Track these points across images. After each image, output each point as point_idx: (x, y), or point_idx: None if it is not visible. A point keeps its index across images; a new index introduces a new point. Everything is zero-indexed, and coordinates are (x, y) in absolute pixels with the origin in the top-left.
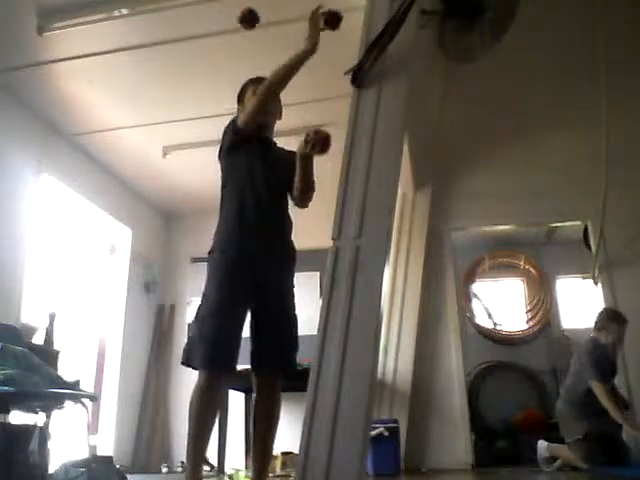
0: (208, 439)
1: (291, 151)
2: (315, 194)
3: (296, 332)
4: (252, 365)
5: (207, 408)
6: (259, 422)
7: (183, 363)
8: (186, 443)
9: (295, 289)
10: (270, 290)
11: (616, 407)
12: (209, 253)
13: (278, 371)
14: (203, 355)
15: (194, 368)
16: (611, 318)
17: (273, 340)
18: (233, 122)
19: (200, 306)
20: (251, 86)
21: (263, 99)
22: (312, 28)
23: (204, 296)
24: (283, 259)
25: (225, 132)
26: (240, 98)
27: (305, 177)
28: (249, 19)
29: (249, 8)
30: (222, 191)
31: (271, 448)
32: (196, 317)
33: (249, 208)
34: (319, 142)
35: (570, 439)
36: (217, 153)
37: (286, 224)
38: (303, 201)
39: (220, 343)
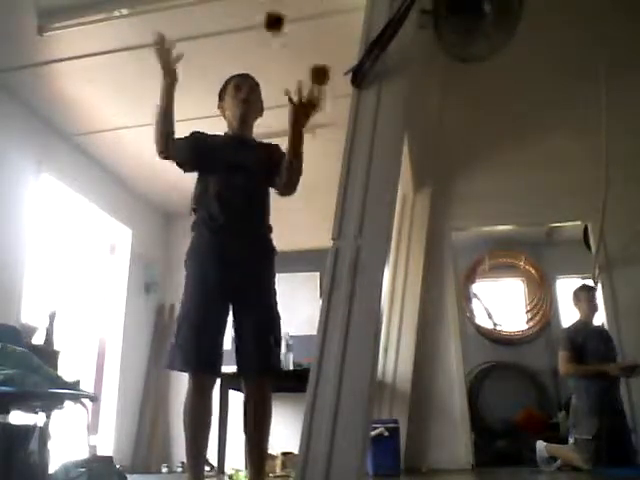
0: (205, 441)
1: (272, 144)
2: (315, 194)
3: (278, 330)
4: (238, 367)
5: (196, 411)
6: (250, 423)
7: (167, 366)
8: (185, 449)
9: (276, 286)
10: (249, 290)
11: (579, 368)
12: (186, 255)
13: (262, 370)
14: (182, 359)
15: (179, 370)
16: (579, 289)
17: (254, 339)
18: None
19: (179, 312)
20: (230, 83)
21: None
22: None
23: (181, 302)
24: (260, 258)
25: None
26: (220, 96)
27: (291, 152)
28: (274, 22)
29: (270, 12)
30: (193, 194)
31: (266, 448)
32: (176, 322)
33: (217, 212)
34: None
35: (579, 436)
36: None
37: (263, 222)
38: (288, 187)
39: (196, 346)
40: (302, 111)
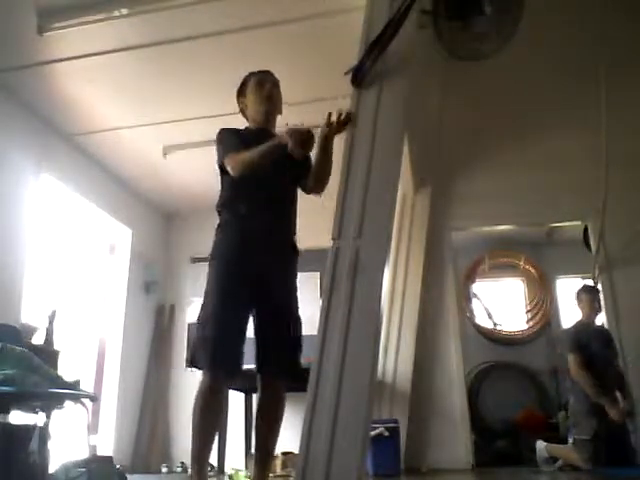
0: (212, 441)
1: None
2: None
3: (300, 332)
4: (257, 366)
5: (211, 410)
6: (262, 423)
7: (189, 364)
8: (190, 446)
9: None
10: (272, 291)
11: (589, 381)
12: (210, 256)
13: (281, 372)
14: (206, 357)
15: (200, 368)
16: (581, 290)
17: (276, 341)
18: (223, 148)
19: (202, 309)
20: (251, 79)
21: (237, 171)
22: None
23: (205, 299)
24: (285, 260)
25: (218, 146)
26: (241, 91)
27: (325, 159)
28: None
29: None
30: (221, 193)
31: (273, 449)
32: (198, 320)
33: (248, 211)
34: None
35: (577, 437)
36: (217, 161)
37: (290, 222)
38: (319, 188)
39: (222, 345)
40: (336, 130)
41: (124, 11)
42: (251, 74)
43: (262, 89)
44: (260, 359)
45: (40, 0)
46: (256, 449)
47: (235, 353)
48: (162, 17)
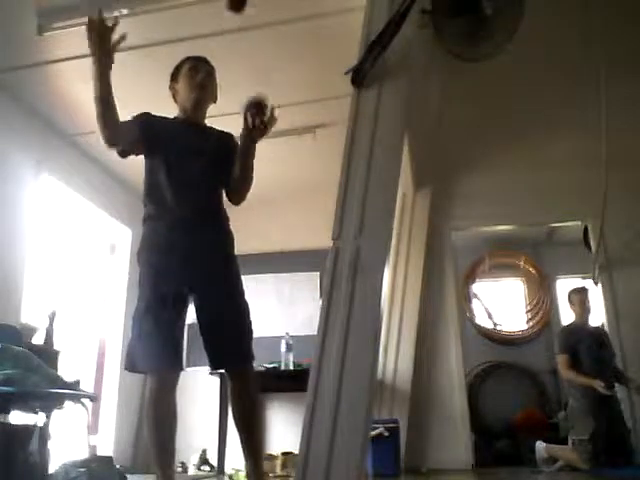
0: (172, 441)
1: (225, 132)
2: (315, 194)
3: (248, 318)
4: (211, 364)
5: (167, 411)
6: (238, 422)
7: (127, 369)
8: (152, 453)
9: (241, 275)
10: (211, 282)
11: (577, 375)
12: (137, 253)
13: (240, 361)
14: (147, 358)
15: (139, 372)
16: (571, 292)
17: (225, 332)
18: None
19: (135, 309)
20: (185, 65)
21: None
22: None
23: (138, 299)
24: (220, 248)
25: None
26: (173, 76)
27: (243, 164)
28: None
29: None
30: (144, 187)
31: (258, 445)
32: (132, 320)
33: (172, 204)
34: (258, 109)
35: (576, 437)
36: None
37: (219, 211)
38: (239, 195)
39: (162, 343)
40: (259, 133)
41: (124, 11)
42: (185, 59)
43: (195, 76)
44: (213, 352)
45: (40, 0)
46: (243, 447)
47: (173, 349)
48: (162, 17)
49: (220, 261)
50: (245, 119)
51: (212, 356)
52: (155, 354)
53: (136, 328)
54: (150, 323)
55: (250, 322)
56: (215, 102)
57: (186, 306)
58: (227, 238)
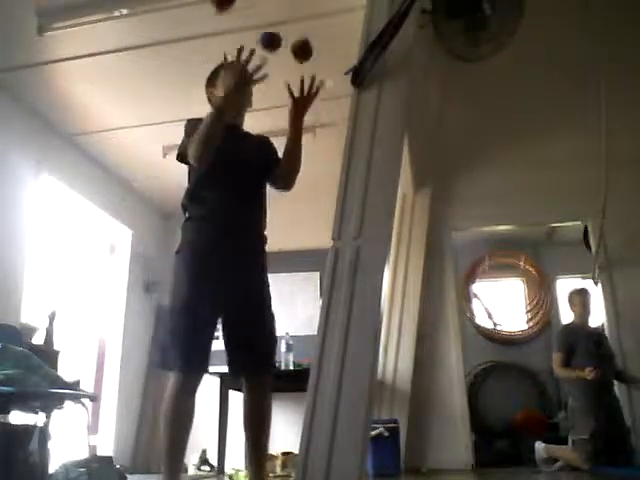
0: (185, 443)
1: (263, 135)
2: (315, 194)
3: (274, 328)
4: (232, 370)
5: (185, 413)
6: (252, 423)
7: (158, 367)
8: (163, 451)
9: (269, 285)
10: (246, 289)
11: (568, 371)
12: (176, 252)
13: (262, 369)
14: (175, 355)
15: (168, 370)
16: (572, 293)
17: (255, 342)
18: (187, 141)
19: (171, 308)
20: (222, 71)
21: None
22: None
23: (173, 300)
24: (254, 257)
25: (184, 138)
26: (211, 81)
27: (292, 141)
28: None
29: None
30: (187, 187)
31: (266, 448)
32: (169, 320)
33: (219, 209)
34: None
35: (576, 437)
36: (176, 155)
37: (261, 218)
38: (286, 179)
39: (193, 345)
40: (302, 103)
41: (124, 11)
42: (221, 66)
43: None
44: (236, 357)
45: (40, 0)
46: (249, 451)
47: (206, 353)
48: (162, 17)
49: (257, 272)
50: (290, 92)
51: (238, 363)
52: (187, 354)
53: (171, 326)
54: (186, 323)
55: (276, 332)
56: (251, 106)
57: (220, 309)
58: (263, 248)
